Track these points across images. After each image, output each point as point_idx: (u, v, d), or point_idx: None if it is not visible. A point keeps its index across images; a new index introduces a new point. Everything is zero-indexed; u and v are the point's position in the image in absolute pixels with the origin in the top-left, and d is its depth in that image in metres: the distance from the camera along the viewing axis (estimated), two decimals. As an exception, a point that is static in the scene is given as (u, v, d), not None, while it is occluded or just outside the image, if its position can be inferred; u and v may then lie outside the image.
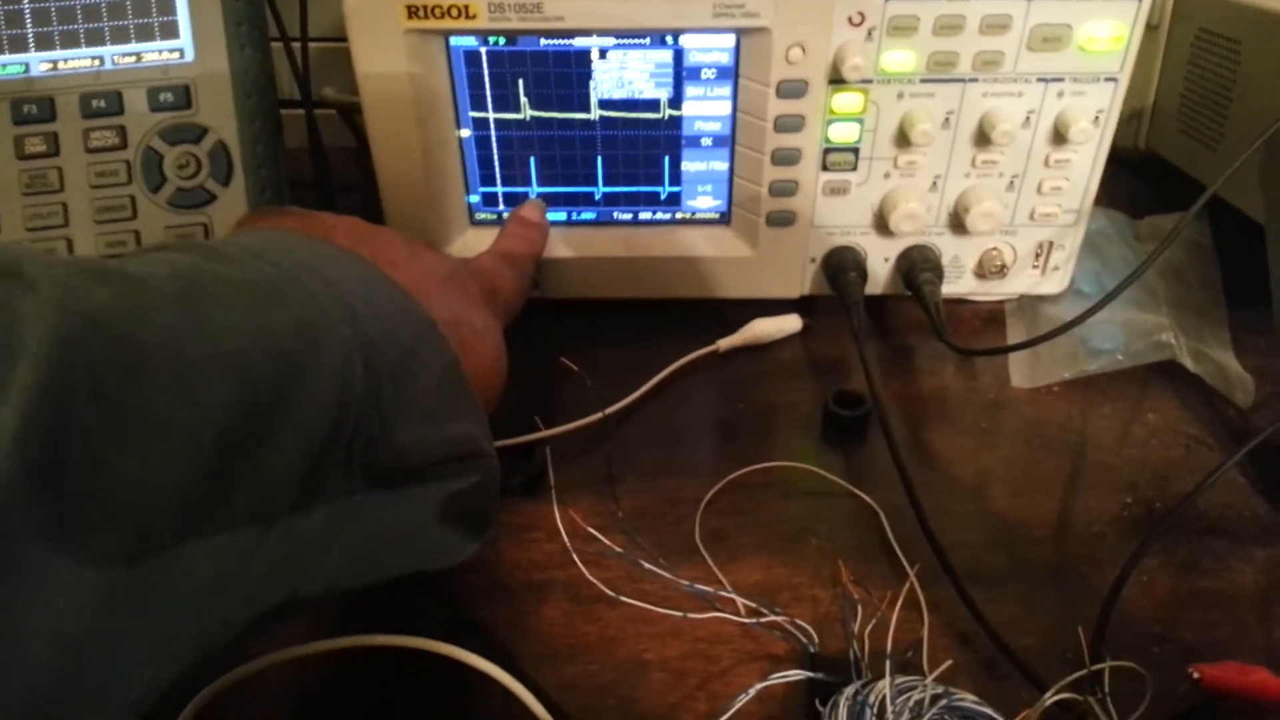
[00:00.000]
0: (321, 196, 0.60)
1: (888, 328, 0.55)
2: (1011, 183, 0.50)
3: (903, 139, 0.49)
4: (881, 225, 0.51)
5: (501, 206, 0.54)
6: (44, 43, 0.46)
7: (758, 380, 0.52)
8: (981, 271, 0.53)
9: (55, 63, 0.46)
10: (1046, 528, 0.44)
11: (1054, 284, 0.54)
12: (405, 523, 0.32)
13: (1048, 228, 0.52)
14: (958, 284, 0.54)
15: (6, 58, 0.45)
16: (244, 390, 0.24)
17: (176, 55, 0.46)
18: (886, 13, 0.45)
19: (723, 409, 0.51)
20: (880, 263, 0.53)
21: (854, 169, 0.50)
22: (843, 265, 0.52)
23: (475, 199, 0.54)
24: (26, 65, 0.46)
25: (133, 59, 0.46)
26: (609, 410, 0.48)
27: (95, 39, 0.46)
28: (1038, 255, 0.53)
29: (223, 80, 0.46)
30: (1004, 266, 0.53)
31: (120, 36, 0.46)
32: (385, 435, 0.29)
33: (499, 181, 0.53)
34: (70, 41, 0.46)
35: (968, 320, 0.55)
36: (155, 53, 0.46)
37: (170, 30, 0.46)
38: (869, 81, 0.47)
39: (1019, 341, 0.51)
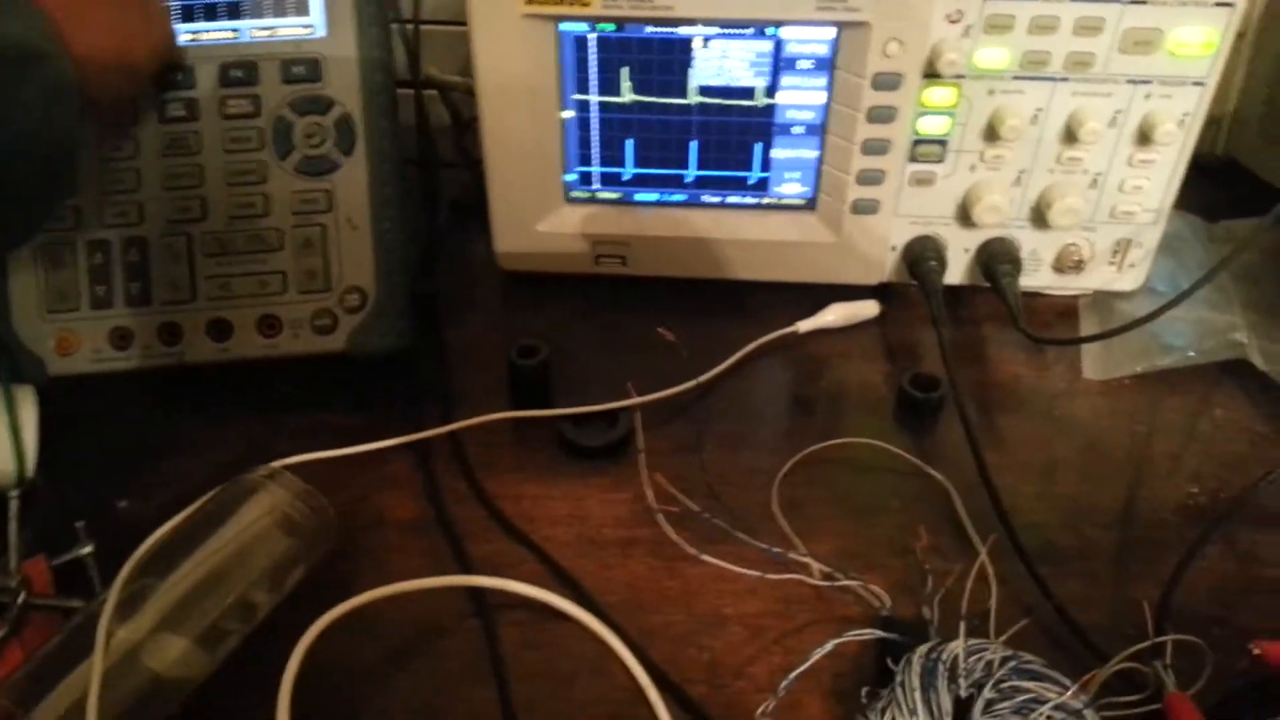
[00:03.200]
0: (427, 174, 0.63)
1: (962, 317, 0.57)
2: (1095, 180, 0.52)
3: (991, 133, 0.50)
4: (964, 217, 0.53)
5: (595, 185, 0.57)
6: (187, 14, 0.49)
7: (834, 361, 0.55)
8: (1059, 266, 0.55)
9: (196, 34, 0.49)
10: (1113, 512, 0.46)
11: (1130, 281, 0.56)
12: None
13: (1127, 226, 0.53)
14: (1035, 277, 0.55)
15: (153, 28, 0.49)
16: None
17: (308, 31, 0.49)
18: (984, 11, 0.47)
19: (800, 387, 0.54)
20: (960, 253, 0.55)
21: (941, 161, 0.52)
22: (923, 254, 0.54)
23: (571, 177, 0.57)
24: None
25: (268, 33, 0.49)
26: (701, 379, 0.51)
27: (234, 13, 0.49)
28: (1115, 252, 0.55)
29: (350, 56, 0.49)
30: (1081, 262, 0.54)
31: (256, 11, 0.49)
32: None
33: (595, 161, 0.56)
34: (211, 14, 0.49)
35: (1041, 313, 0.57)
36: (289, 28, 0.49)
37: (303, 7, 0.49)
38: (962, 77, 0.49)
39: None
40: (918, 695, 0.35)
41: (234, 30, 0.49)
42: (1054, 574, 0.42)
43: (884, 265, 0.56)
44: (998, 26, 0.47)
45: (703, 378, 0.51)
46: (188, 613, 0.38)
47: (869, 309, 0.56)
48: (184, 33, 0.49)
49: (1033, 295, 0.57)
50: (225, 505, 0.41)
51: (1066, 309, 0.57)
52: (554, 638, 0.41)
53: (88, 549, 0.43)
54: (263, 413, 0.51)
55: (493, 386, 0.52)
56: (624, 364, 0.54)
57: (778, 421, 0.52)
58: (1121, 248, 0.54)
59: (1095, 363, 0.53)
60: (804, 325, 0.55)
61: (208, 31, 0.49)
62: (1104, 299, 0.57)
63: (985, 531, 0.43)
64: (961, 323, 0.57)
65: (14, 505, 0.42)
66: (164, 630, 0.37)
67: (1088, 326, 0.55)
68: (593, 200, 0.57)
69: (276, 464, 0.44)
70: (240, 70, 0.49)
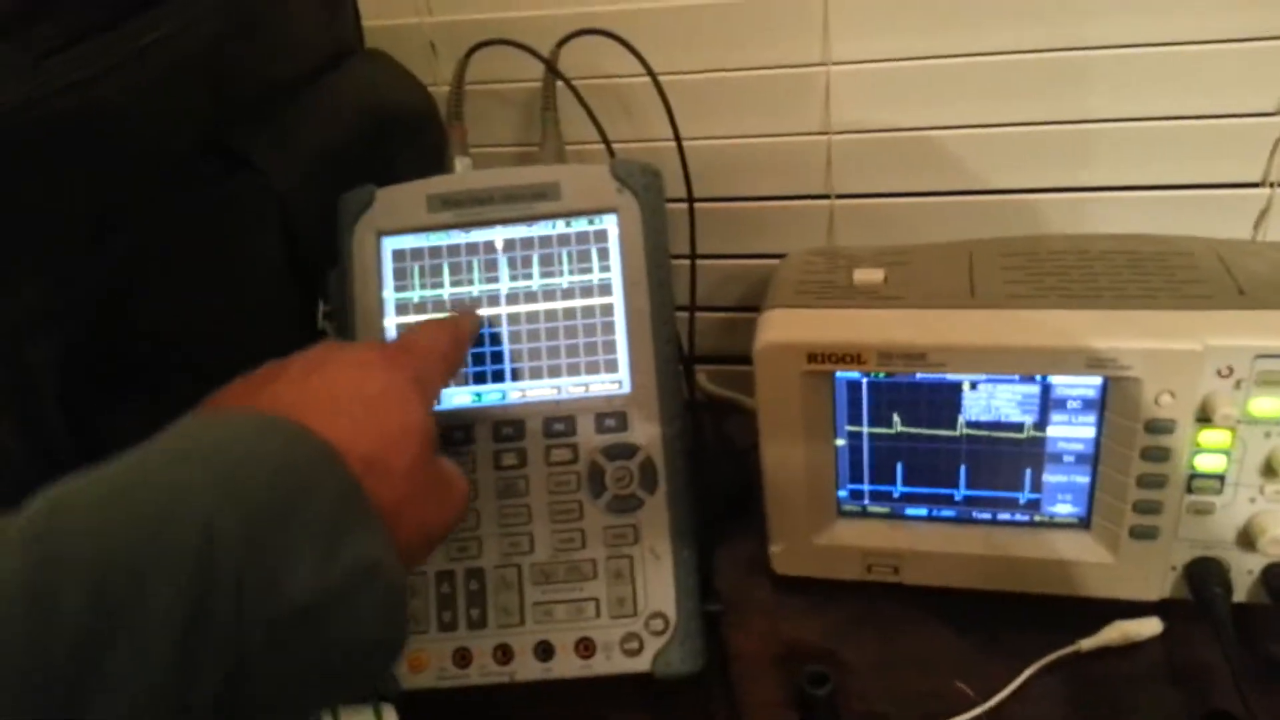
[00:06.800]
0: (697, 466, 0.69)
1: (1253, 635, 0.56)
2: (1389, 509, 0.51)
3: (1270, 470, 0.51)
4: (1247, 542, 0.54)
5: (866, 501, 0.61)
6: (517, 375, 0.58)
7: (1120, 684, 0.55)
8: (1356, 591, 0.54)
9: (524, 391, 0.58)
10: None
11: None
12: (315, 659, 0.32)
13: None
14: (1329, 601, 0.54)
15: (489, 387, 0.58)
16: (89, 600, 0.27)
17: (616, 386, 0.57)
18: (1256, 367, 0.49)
19: (1088, 714, 0.54)
20: (1245, 574, 0.55)
21: (1219, 493, 0.53)
22: (1206, 579, 0.54)
23: (843, 494, 0.61)
24: (504, 394, 0.58)
25: (582, 389, 0.58)
26: (989, 705, 0.52)
27: (555, 373, 0.58)
28: None
29: (653, 406, 0.57)
30: (1381, 587, 0.53)
31: (574, 371, 0.58)
32: (275, 580, 0.31)
33: (866, 480, 0.60)
34: (537, 375, 0.58)
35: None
36: (600, 384, 0.58)
37: (612, 366, 0.57)
38: (1237, 421, 0.51)
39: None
40: None
41: (556, 388, 0.58)
42: None
43: (1164, 584, 0.56)
44: (1270, 382, 0.49)
45: (988, 704, 0.53)
46: None
47: (1152, 626, 0.56)
48: (514, 390, 0.58)
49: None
50: None
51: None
52: None
53: None
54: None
55: (778, 701, 0.56)
56: (902, 679, 0.56)
57: (1069, 754, 0.52)
58: None
59: None
60: (1086, 644, 0.56)
61: (534, 389, 0.58)
62: None
63: None
64: (1253, 641, 0.56)
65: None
66: None
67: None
68: (864, 514, 0.62)
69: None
70: (561, 423, 0.57)
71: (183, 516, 0.30)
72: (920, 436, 0.58)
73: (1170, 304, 0.52)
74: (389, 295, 0.59)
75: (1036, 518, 0.58)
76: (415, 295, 0.59)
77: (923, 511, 0.60)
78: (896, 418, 0.57)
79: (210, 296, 0.54)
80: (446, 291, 0.59)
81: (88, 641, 0.27)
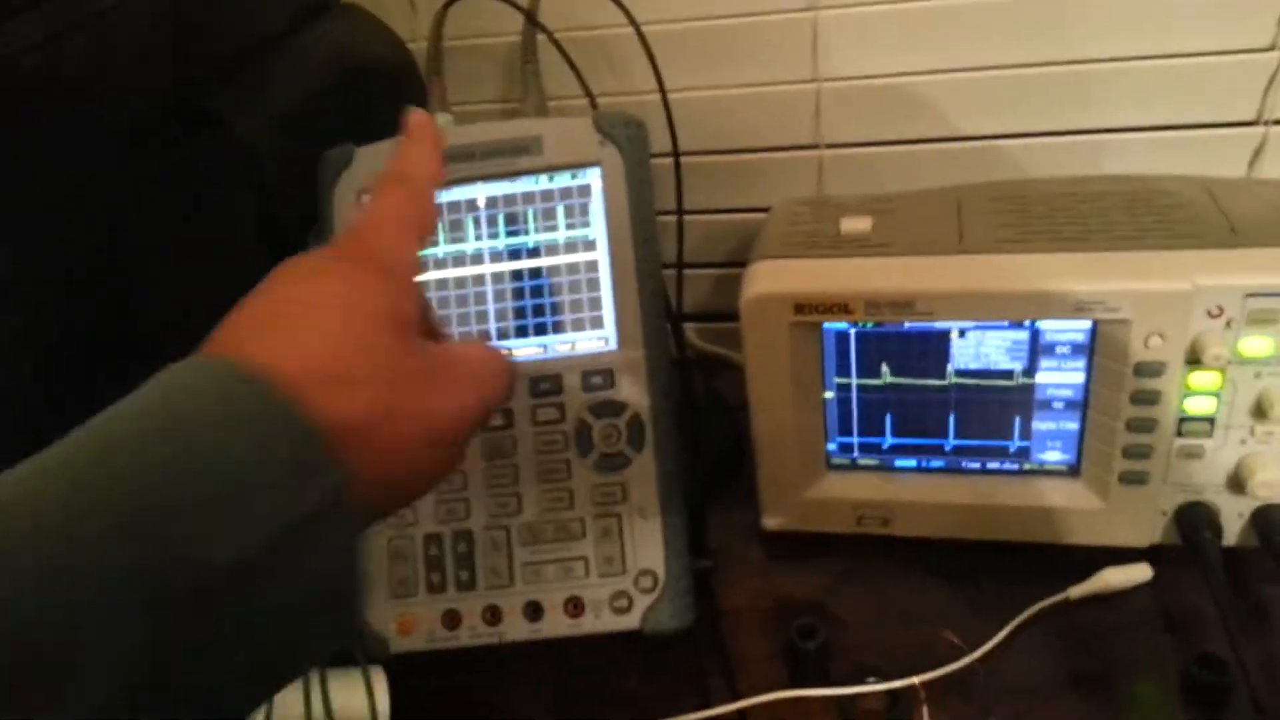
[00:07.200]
0: (690, 424, 0.69)
1: (1243, 578, 0.56)
2: (1380, 449, 0.51)
3: (1260, 412, 0.51)
4: (1236, 485, 0.53)
5: (855, 453, 0.61)
6: (502, 334, 0.58)
7: (1110, 633, 0.55)
8: (1348, 532, 0.53)
9: (509, 350, 0.58)
10: None
11: None
12: (258, 622, 0.30)
13: None
14: (1321, 543, 0.54)
15: (474, 347, 0.58)
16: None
17: (603, 344, 0.57)
18: (1246, 307, 0.48)
19: (1080, 661, 0.54)
20: (1235, 518, 0.55)
21: (1209, 436, 0.52)
22: (1196, 524, 0.54)
23: (832, 447, 0.61)
24: (489, 352, 0.58)
25: (569, 347, 0.57)
26: (976, 655, 0.53)
27: (540, 331, 0.57)
28: None
29: (639, 364, 0.56)
30: (1374, 528, 0.53)
31: (559, 328, 0.57)
32: (204, 547, 0.28)
33: (855, 433, 0.60)
34: (521, 333, 0.58)
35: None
36: (587, 341, 0.57)
37: (598, 323, 0.57)
38: (1227, 362, 0.50)
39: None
40: None
41: (542, 346, 0.57)
42: None
43: (1154, 529, 0.56)
44: (1261, 321, 0.48)
45: (977, 653, 0.53)
46: None
47: (1141, 573, 0.56)
48: (501, 349, 0.57)
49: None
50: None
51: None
52: None
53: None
54: (562, 685, 0.57)
55: (768, 655, 0.56)
56: (893, 632, 0.56)
57: (1061, 700, 0.52)
58: None
59: (1404, 640, 0.51)
60: (1075, 591, 0.56)
61: (521, 348, 0.57)
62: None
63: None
64: (1242, 584, 0.56)
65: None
66: None
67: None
68: (853, 467, 0.61)
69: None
70: (548, 382, 0.57)
71: (108, 489, 0.28)
72: (909, 387, 0.57)
73: (1160, 244, 0.51)
74: (369, 256, 0.58)
75: (1026, 466, 0.58)
76: (396, 255, 0.58)
77: (912, 463, 0.60)
78: (885, 368, 0.57)
79: (181, 258, 0.54)
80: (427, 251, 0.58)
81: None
